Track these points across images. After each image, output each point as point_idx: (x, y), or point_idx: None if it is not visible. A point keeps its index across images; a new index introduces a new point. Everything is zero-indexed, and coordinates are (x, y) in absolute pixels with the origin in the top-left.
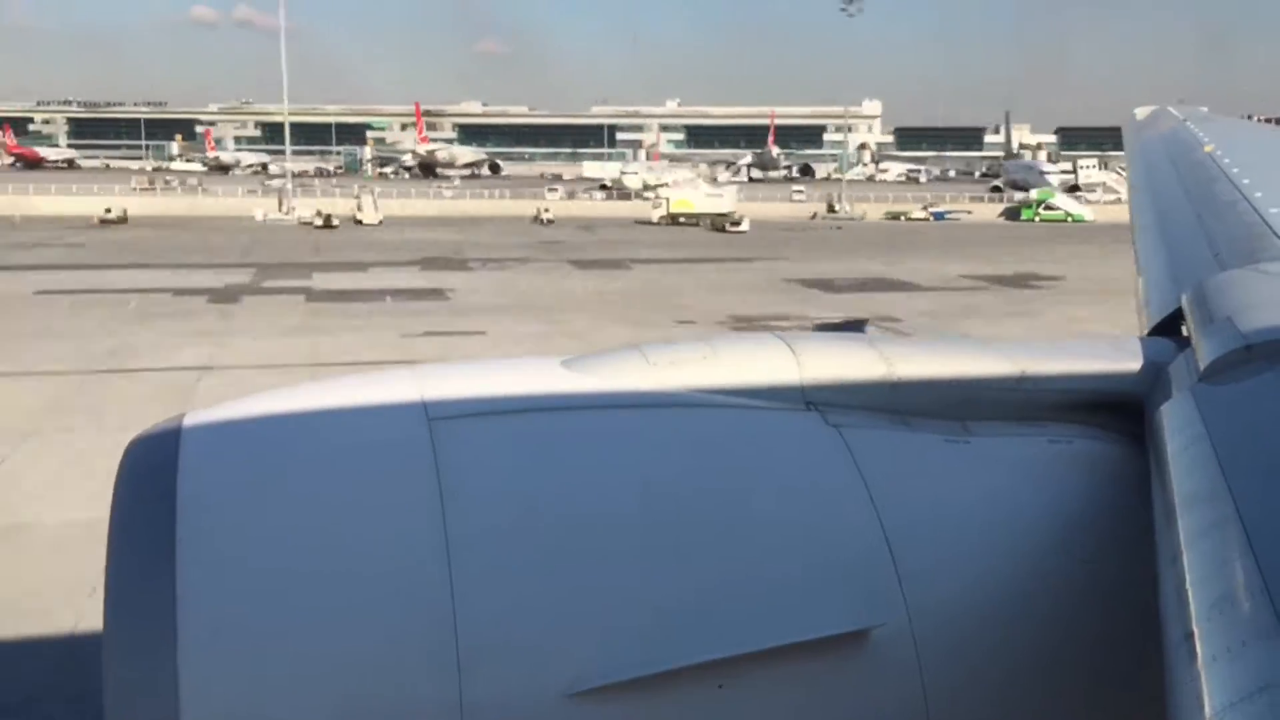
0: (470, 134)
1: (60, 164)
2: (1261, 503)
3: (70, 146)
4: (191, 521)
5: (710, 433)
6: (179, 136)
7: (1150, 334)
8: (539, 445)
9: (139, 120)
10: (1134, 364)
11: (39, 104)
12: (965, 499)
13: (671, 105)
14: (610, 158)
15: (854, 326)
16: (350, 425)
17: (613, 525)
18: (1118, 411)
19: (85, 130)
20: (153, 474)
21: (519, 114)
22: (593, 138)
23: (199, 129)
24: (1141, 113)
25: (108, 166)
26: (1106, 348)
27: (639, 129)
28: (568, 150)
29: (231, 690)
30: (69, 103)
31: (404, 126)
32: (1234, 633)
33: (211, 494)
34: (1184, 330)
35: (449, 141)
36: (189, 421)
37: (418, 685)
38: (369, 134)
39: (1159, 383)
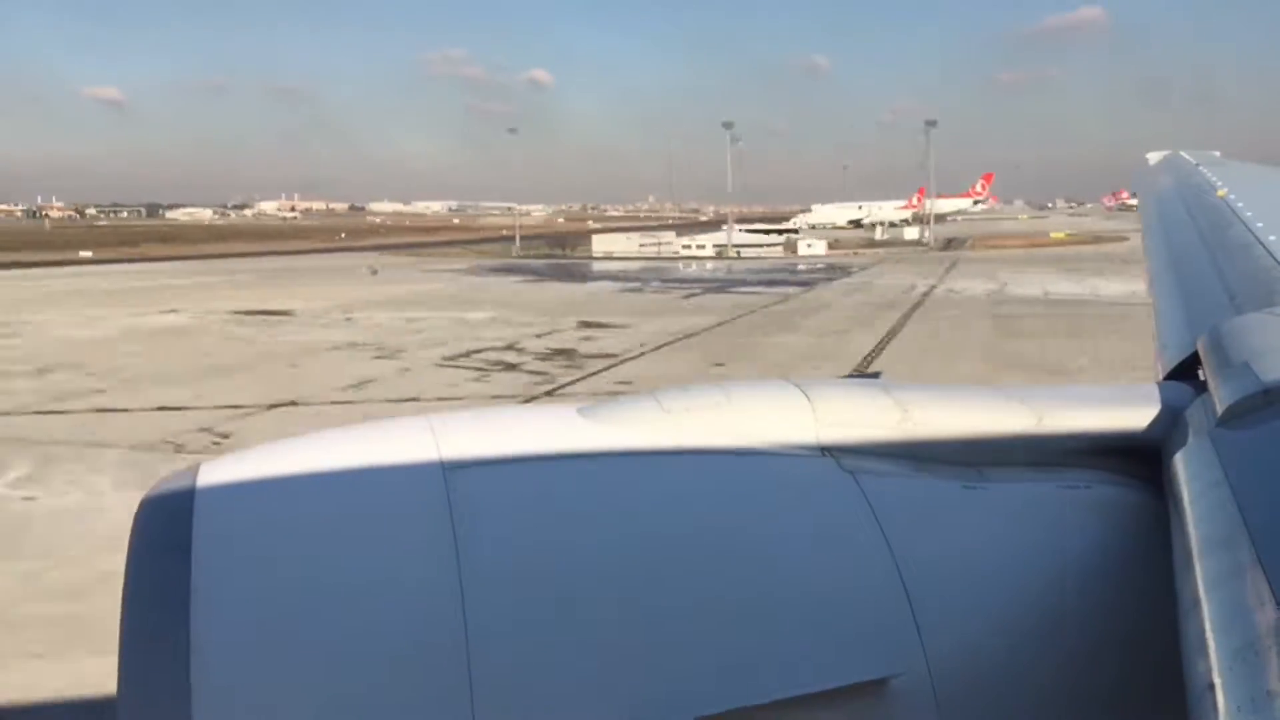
0: None
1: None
2: None
3: None
4: (206, 575)
5: (725, 480)
6: None
7: (1166, 378)
8: (555, 494)
9: None
10: (1150, 409)
11: None
12: (983, 545)
13: None
14: None
15: (869, 377)
16: (365, 475)
17: (629, 575)
18: (1135, 457)
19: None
20: (168, 527)
21: None
22: None
23: None
24: (1154, 157)
25: None
26: (1123, 393)
27: None
28: None
29: None
30: None
31: None
32: (1258, 682)
33: (226, 547)
34: (1200, 374)
35: None
36: (204, 474)
37: None
38: None
39: (1176, 428)
